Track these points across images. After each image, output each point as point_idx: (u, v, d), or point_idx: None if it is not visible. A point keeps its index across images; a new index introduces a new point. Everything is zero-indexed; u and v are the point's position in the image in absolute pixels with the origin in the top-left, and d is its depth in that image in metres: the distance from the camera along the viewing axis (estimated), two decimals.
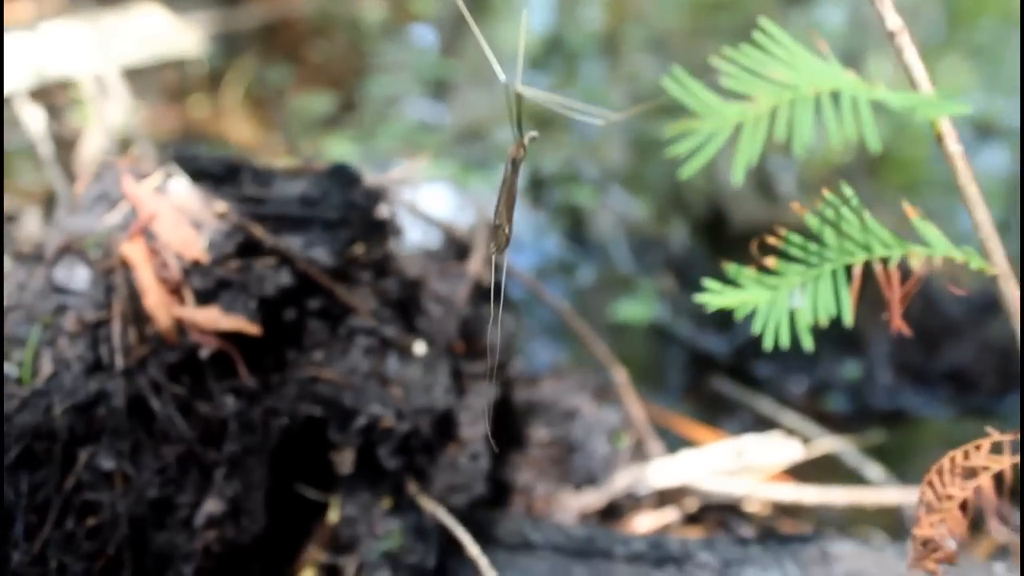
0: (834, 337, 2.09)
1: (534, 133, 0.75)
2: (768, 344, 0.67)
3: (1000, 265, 0.70)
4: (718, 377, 2.06)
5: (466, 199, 2.54)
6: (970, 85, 3.57)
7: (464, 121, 3.01)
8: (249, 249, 1.34)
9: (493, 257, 0.80)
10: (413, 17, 3.60)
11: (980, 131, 3.13)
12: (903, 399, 2.07)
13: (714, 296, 0.68)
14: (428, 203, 2.13)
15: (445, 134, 2.92)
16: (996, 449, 0.72)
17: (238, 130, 2.77)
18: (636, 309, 2.23)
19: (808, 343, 0.65)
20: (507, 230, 0.79)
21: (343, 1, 3.58)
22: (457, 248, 1.64)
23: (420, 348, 1.39)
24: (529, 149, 0.75)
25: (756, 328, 0.67)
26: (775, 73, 0.62)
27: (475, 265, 1.55)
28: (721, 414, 1.98)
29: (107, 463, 1.23)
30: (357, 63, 3.35)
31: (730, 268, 0.68)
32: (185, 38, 2.92)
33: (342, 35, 3.47)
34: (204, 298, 1.30)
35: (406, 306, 1.43)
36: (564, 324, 2.04)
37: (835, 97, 0.61)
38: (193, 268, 1.30)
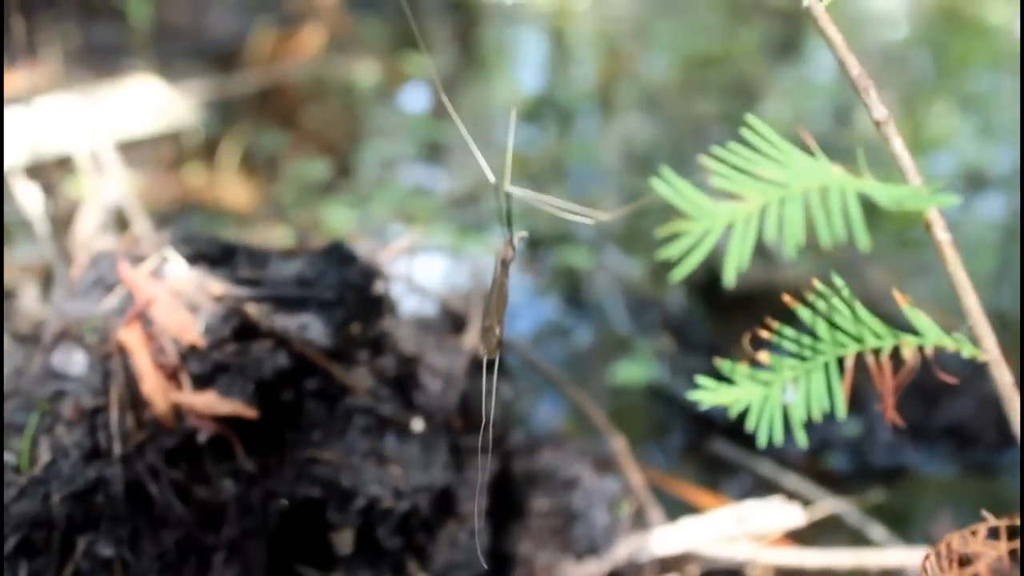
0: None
1: (524, 233, 0.75)
2: (763, 442, 0.68)
3: (991, 351, 0.70)
4: (717, 438, 2.06)
5: (462, 264, 2.54)
6: (961, 132, 3.60)
7: (459, 184, 3.02)
8: (246, 332, 1.34)
9: (484, 359, 0.78)
10: (406, 79, 3.63)
11: (972, 180, 3.15)
12: (904, 456, 2.07)
13: (708, 393, 0.68)
14: (423, 271, 2.13)
15: (440, 198, 2.93)
16: (993, 534, 0.72)
17: (234, 197, 2.79)
18: (634, 371, 2.23)
19: (803, 441, 0.65)
20: (498, 332, 0.77)
21: (336, 66, 3.62)
22: (453, 319, 1.64)
23: (418, 425, 1.39)
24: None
25: (750, 426, 0.67)
26: (764, 172, 0.62)
27: (472, 337, 1.55)
28: (721, 476, 1.98)
29: (106, 550, 1.23)
30: (351, 128, 3.38)
31: (724, 365, 0.68)
32: (181, 108, 2.94)
33: (336, 100, 3.49)
34: (201, 382, 1.30)
35: (403, 383, 1.42)
36: (562, 394, 2.05)
37: (823, 193, 0.61)
38: (190, 352, 1.31)
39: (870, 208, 0.61)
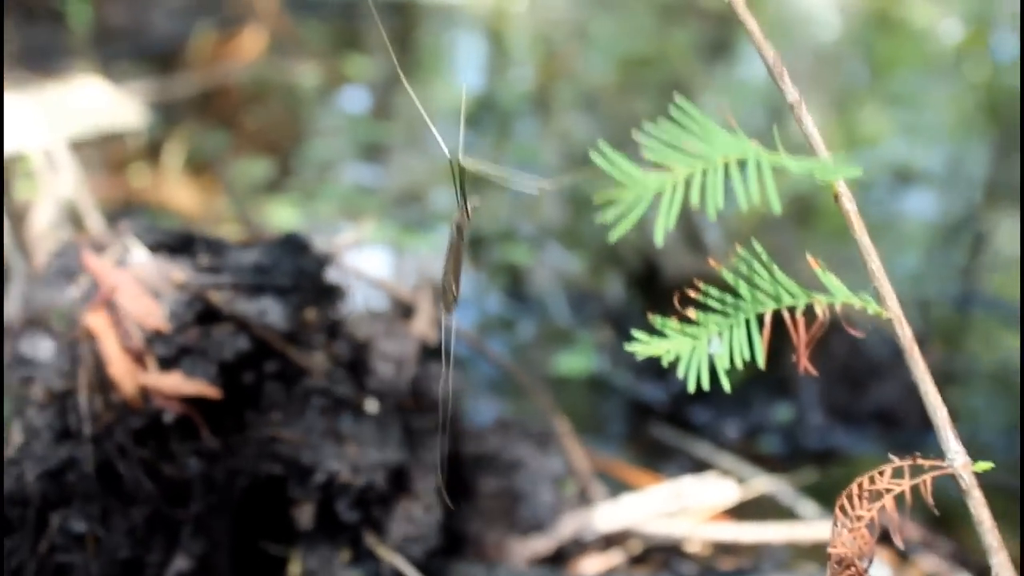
0: (766, 382, 2.20)
1: (476, 202, 0.83)
2: (691, 387, 0.76)
3: (893, 309, 0.80)
4: (657, 424, 2.15)
5: (406, 260, 2.63)
6: (889, 132, 3.74)
7: (401, 183, 3.11)
8: (208, 317, 1.41)
9: (443, 317, 0.87)
10: (347, 80, 3.70)
11: (901, 177, 3.29)
12: (834, 438, 2.18)
13: (642, 346, 0.77)
14: (370, 266, 2.22)
15: (383, 196, 3.01)
16: (898, 474, 0.82)
17: (179, 198, 2.84)
18: (575, 362, 2.32)
19: (726, 385, 0.74)
20: (455, 292, 0.85)
21: (278, 68, 3.69)
22: (402, 309, 1.72)
23: (372, 406, 1.47)
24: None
25: (680, 372, 0.77)
26: (689, 145, 0.70)
27: (420, 325, 1.64)
28: (661, 459, 2.07)
29: (78, 526, 1.30)
30: (294, 128, 3.45)
31: (656, 320, 0.78)
32: (124, 109, 3.00)
33: (278, 101, 3.57)
34: (166, 365, 1.37)
35: (357, 366, 1.50)
36: (507, 380, 2.14)
37: (742, 164, 0.69)
38: (155, 337, 1.38)
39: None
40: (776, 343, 0.79)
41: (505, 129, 3.51)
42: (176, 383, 1.36)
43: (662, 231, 0.67)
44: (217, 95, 3.47)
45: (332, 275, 1.57)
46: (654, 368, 2.18)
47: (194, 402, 1.37)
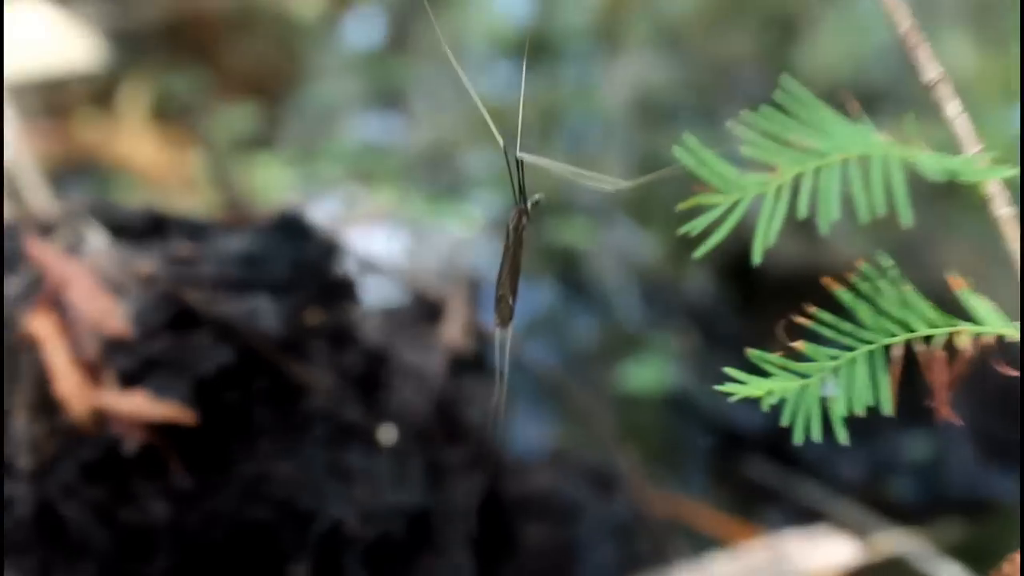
0: (898, 405, 2.19)
1: (539, 196, 0.85)
2: (799, 438, 0.76)
3: None
4: (753, 459, 2.13)
5: (431, 242, 2.63)
6: None
7: (425, 139, 3.11)
8: (182, 320, 1.42)
9: (497, 333, 0.89)
10: (355, 5, 3.69)
11: None
12: (987, 483, 2.16)
13: (737, 387, 0.77)
14: (385, 251, 2.22)
15: (402, 156, 3.01)
16: None
17: (141, 155, 2.84)
18: (647, 374, 2.30)
19: (843, 437, 0.75)
20: (511, 302, 0.87)
21: None
22: (427, 309, 1.74)
23: (389, 435, 1.49)
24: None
25: (785, 420, 0.76)
26: (798, 138, 0.70)
27: (450, 330, 1.66)
28: (757, 505, 2.06)
29: None
30: (287, 67, 3.45)
31: (753, 354, 0.78)
32: (76, 42, 3.02)
33: (267, 32, 3.57)
34: (129, 381, 1.39)
35: (371, 383, 1.52)
36: (558, 399, 2.13)
37: (864, 162, 0.70)
38: (115, 345, 1.39)
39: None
40: (912, 355, 0.79)
41: (558, 70, 3.48)
42: (140, 405, 1.37)
43: (761, 248, 0.68)
44: (191, 24, 3.46)
45: (339, 266, 1.57)
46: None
47: (163, 429, 1.37)
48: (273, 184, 2.78)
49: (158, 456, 1.39)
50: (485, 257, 2.57)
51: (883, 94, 2.85)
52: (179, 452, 1.40)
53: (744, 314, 2.46)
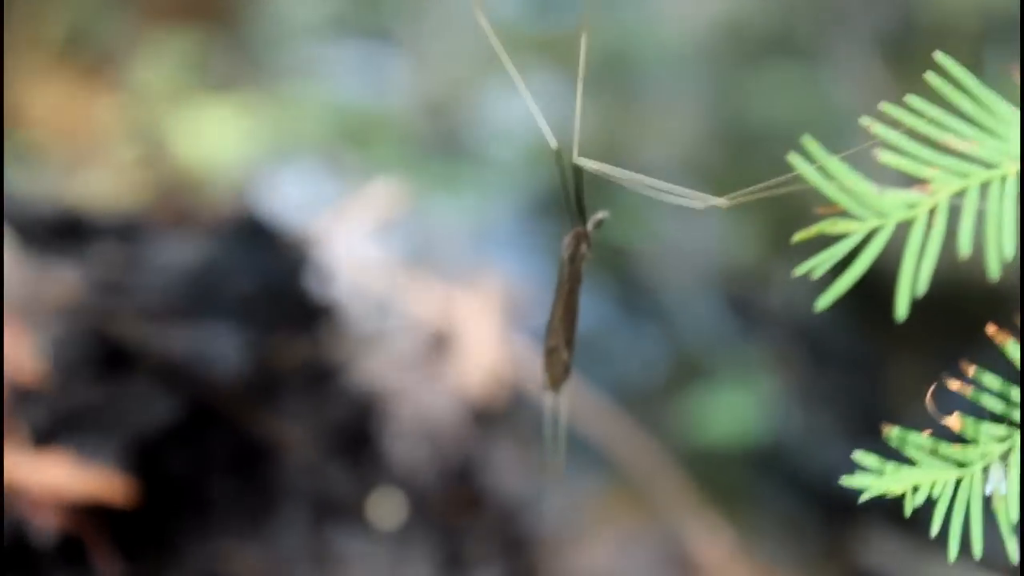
0: None
1: (603, 214, 0.76)
2: (952, 554, 0.66)
3: None
4: (870, 531, 2.02)
5: (434, 232, 2.47)
6: None
7: (422, 81, 2.91)
8: (112, 360, 1.37)
9: (546, 397, 0.82)
10: None
11: None
12: None
13: (868, 478, 0.67)
14: (381, 249, 2.10)
15: (390, 105, 2.82)
16: None
17: (43, 104, 2.68)
18: (728, 415, 2.17)
19: (1014, 554, 0.66)
20: (565, 357, 0.79)
21: None
22: (438, 335, 1.65)
23: (388, 510, 1.42)
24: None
25: (935, 527, 0.66)
26: (957, 142, 0.61)
27: (469, 364, 1.57)
28: None
29: None
30: None
31: (893, 434, 0.67)
32: None
33: None
34: (44, 440, 1.31)
35: (362, 439, 1.46)
36: (607, 441, 2.01)
37: None
38: (25, 395, 1.32)
39: None
40: None
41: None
42: (59, 475, 1.30)
43: (907, 296, 0.58)
44: None
45: (318, 281, 1.54)
46: (866, 432, 2.04)
47: (89, 508, 1.30)
48: (223, 143, 2.60)
49: (81, 546, 1.32)
50: (516, 254, 2.47)
51: None
52: (110, 536, 1.33)
53: (861, 335, 2.37)
